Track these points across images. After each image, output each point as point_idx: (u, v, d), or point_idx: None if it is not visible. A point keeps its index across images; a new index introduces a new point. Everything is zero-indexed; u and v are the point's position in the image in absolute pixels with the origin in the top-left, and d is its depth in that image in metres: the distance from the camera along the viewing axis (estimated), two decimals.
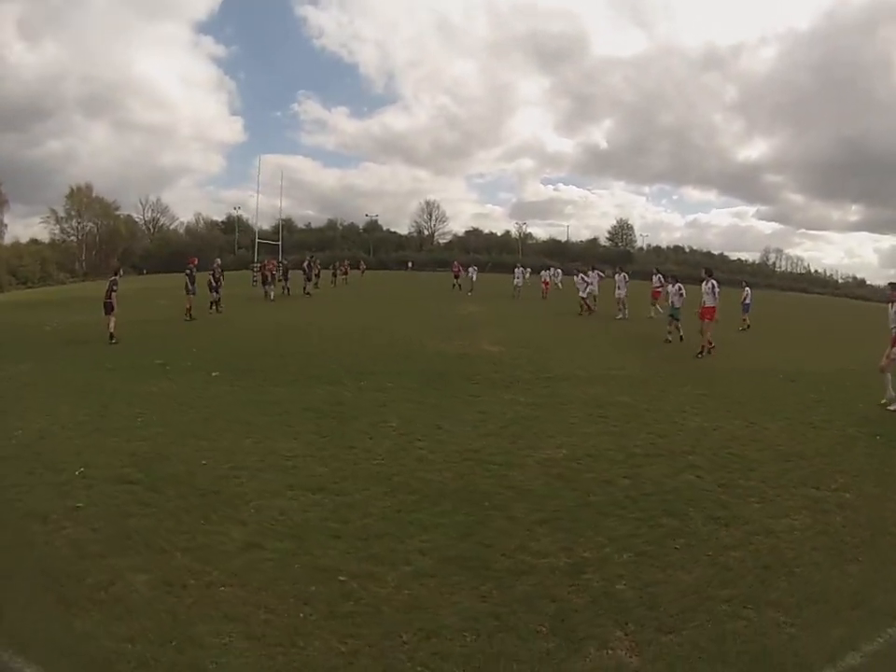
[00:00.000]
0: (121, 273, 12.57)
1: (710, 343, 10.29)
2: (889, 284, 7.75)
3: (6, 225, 49.43)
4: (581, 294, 17.20)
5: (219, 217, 66.01)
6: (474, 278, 27.65)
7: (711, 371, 8.29)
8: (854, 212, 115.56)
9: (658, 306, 16.15)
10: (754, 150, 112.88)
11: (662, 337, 11.31)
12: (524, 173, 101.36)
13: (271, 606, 2.49)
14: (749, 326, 14.67)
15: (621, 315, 16.45)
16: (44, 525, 3.37)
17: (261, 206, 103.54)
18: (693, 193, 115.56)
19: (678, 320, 11.45)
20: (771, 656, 2.17)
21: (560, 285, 26.04)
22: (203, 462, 4.41)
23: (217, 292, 15.20)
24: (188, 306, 13.79)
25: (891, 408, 6.30)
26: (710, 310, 10.29)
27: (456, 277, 27.50)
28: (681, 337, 11.19)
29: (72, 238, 53.05)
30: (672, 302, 11.61)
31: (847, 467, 4.32)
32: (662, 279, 16.63)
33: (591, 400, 6.17)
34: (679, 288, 11.58)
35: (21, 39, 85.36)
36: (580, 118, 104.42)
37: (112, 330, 10.45)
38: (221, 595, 2.61)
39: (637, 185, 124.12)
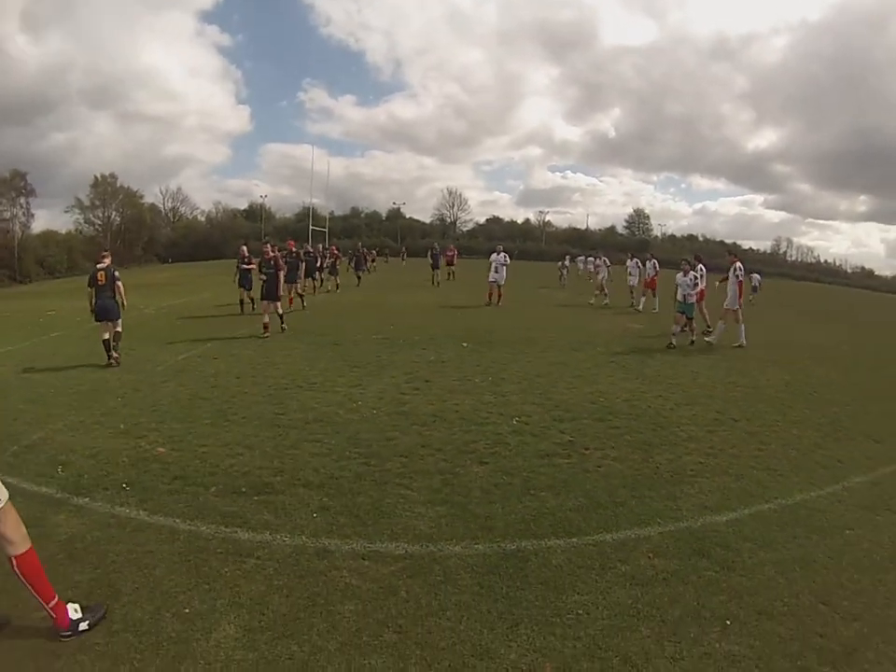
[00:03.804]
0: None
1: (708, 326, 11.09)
2: (728, 251, 11.54)
3: (33, 215, 49.95)
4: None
5: (239, 206, 67.15)
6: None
7: (802, 345, 12.22)
8: (862, 202, 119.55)
9: (656, 298, 15.54)
10: (763, 140, 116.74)
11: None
12: (531, 160, 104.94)
13: None
14: (752, 304, 18.52)
15: (606, 301, 16.72)
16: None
17: (269, 196, 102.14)
18: (701, 182, 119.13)
19: (691, 318, 10.38)
20: None
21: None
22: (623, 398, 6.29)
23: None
24: (300, 293, 14.16)
25: (707, 338, 10.12)
26: (699, 293, 10.89)
27: (450, 265, 24.44)
28: (693, 340, 10.48)
29: (94, 227, 53.85)
30: (685, 297, 10.26)
31: None
32: (657, 266, 15.73)
33: (762, 357, 9.67)
34: (694, 277, 10.37)
35: (24, 31, 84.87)
36: (588, 106, 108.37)
37: (279, 314, 10.40)
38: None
39: (645, 173, 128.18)
